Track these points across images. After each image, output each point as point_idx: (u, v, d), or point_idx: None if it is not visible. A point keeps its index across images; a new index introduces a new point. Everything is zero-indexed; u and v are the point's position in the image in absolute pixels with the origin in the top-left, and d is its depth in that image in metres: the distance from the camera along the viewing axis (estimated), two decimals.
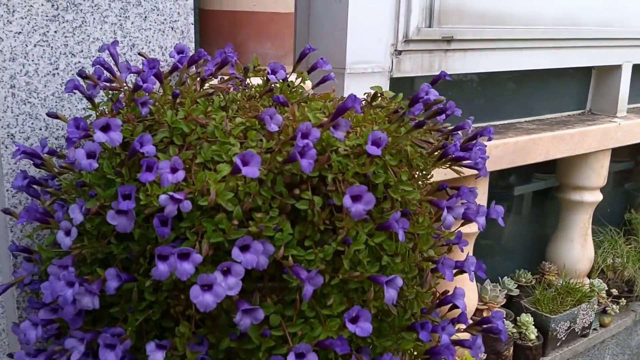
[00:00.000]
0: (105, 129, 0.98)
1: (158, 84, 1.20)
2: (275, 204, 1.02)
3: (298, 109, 1.18)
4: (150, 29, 1.48)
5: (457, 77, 2.59)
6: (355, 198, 0.94)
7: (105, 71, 1.21)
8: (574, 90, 3.20)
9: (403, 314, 1.16)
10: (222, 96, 1.18)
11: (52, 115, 1.24)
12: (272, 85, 1.25)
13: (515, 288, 2.97)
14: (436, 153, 1.16)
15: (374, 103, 1.16)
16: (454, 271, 1.18)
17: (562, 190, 3.09)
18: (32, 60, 1.34)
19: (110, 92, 1.21)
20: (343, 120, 1.01)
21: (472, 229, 2.54)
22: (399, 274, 1.10)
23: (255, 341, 1.01)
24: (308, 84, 1.54)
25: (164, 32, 1.50)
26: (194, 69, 1.33)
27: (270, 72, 1.27)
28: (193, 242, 0.97)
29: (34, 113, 1.36)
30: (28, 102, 1.35)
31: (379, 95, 1.21)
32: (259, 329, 1.03)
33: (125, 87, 1.23)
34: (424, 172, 1.18)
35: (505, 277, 3.03)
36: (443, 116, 1.35)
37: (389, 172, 1.07)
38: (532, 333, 2.77)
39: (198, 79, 1.20)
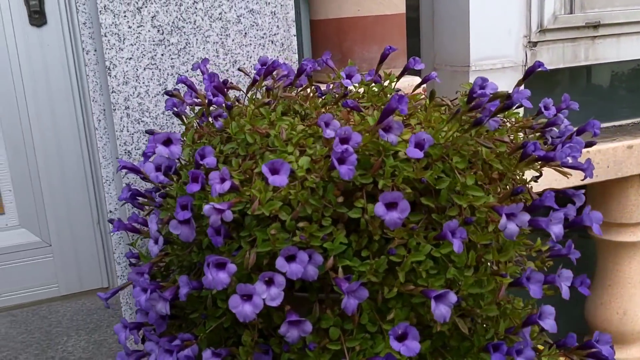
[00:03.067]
0: (167, 142, 1.03)
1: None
2: (328, 212, 0.99)
3: (374, 113, 1.14)
4: (250, 44, 1.53)
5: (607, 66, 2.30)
6: (391, 205, 0.87)
7: (192, 87, 1.28)
8: None
9: (484, 332, 1.05)
10: (290, 105, 1.18)
11: (150, 132, 1.34)
12: (348, 90, 1.22)
13: None
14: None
15: (432, 102, 1.07)
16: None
17: None
18: (143, 83, 1.46)
19: (196, 107, 1.28)
20: (396, 122, 0.95)
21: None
22: (473, 288, 1.01)
23: (309, 355, 0.99)
24: (411, 84, 1.48)
25: (264, 46, 1.55)
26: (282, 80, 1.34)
27: (345, 76, 1.24)
28: (245, 252, 0.98)
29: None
30: (141, 121, 1.48)
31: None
32: (319, 342, 1.01)
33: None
34: (511, 175, 1.06)
35: None
36: (551, 112, 1.21)
37: (457, 176, 0.98)
38: None
39: (265, 89, 1.21)
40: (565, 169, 1.16)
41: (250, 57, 1.54)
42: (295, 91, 1.27)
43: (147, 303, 1.12)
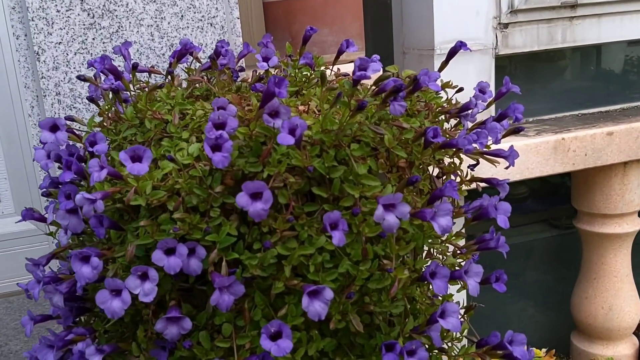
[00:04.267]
0: (54, 128, 0.99)
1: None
2: (216, 203, 0.93)
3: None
4: (187, 27, 1.48)
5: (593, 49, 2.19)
6: (255, 196, 0.81)
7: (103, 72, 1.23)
8: None
9: (389, 330, 0.99)
10: (210, 90, 1.13)
11: (69, 118, 1.30)
12: (262, 74, 1.15)
13: None
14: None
15: (324, 86, 1.00)
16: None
17: None
18: (74, 68, 1.42)
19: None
20: (283, 107, 0.88)
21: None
22: (371, 283, 0.94)
23: (197, 354, 0.94)
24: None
25: (202, 29, 1.49)
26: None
27: (261, 59, 1.17)
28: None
29: (80, 117, 1.44)
30: (74, 107, 1.44)
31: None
32: (209, 339, 0.96)
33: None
34: (419, 163, 0.99)
35: None
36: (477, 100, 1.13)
37: (352, 164, 0.92)
38: None
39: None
40: (491, 157, 1.08)
41: None
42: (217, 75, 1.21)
43: (45, 295, 1.08)
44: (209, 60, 1.23)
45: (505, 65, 2.00)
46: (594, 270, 2.28)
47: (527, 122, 2.15)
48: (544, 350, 2.29)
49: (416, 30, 1.91)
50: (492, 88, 1.94)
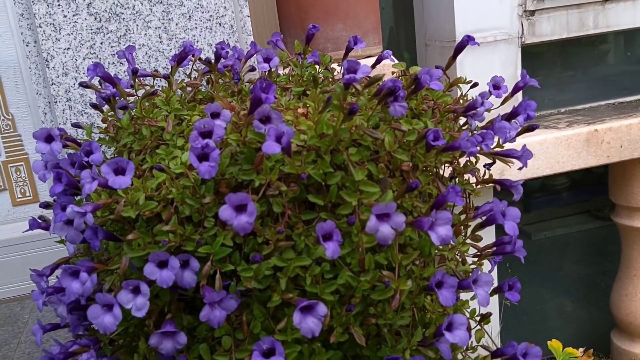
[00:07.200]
0: (49, 139, 0.97)
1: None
2: (211, 212, 0.90)
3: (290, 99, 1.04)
4: (196, 27, 1.45)
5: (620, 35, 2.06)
6: (240, 208, 0.77)
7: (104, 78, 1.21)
8: None
9: (395, 343, 0.94)
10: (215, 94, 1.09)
11: (76, 125, 1.29)
12: (264, 74, 1.11)
13: None
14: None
15: (317, 89, 0.95)
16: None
17: None
18: (84, 73, 1.41)
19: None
20: (273, 112, 0.84)
21: None
22: (376, 294, 0.89)
23: None
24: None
25: (211, 29, 1.46)
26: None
27: (262, 60, 1.13)
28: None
29: (92, 123, 1.43)
30: (85, 112, 1.43)
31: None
32: (210, 352, 0.93)
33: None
34: (423, 166, 0.93)
35: None
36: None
37: (351, 170, 0.87)
38: None
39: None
40: (505, 158, 1.02)
41: (197, 41, 1.46)
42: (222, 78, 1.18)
43: (51, 305, 1.07)
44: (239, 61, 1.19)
45: (533, 53, 1.91)
46: (634, 267, 2.17)
47: (559, 113, 2.06)
48: (581, 349, 2.20)
49: (437, 21, 1.84)
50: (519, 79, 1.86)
